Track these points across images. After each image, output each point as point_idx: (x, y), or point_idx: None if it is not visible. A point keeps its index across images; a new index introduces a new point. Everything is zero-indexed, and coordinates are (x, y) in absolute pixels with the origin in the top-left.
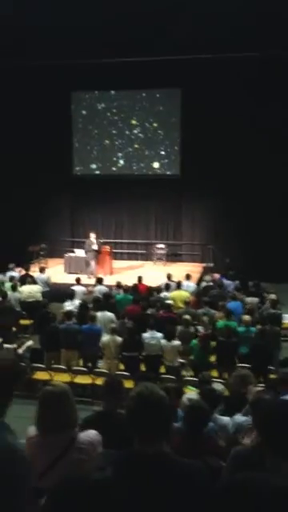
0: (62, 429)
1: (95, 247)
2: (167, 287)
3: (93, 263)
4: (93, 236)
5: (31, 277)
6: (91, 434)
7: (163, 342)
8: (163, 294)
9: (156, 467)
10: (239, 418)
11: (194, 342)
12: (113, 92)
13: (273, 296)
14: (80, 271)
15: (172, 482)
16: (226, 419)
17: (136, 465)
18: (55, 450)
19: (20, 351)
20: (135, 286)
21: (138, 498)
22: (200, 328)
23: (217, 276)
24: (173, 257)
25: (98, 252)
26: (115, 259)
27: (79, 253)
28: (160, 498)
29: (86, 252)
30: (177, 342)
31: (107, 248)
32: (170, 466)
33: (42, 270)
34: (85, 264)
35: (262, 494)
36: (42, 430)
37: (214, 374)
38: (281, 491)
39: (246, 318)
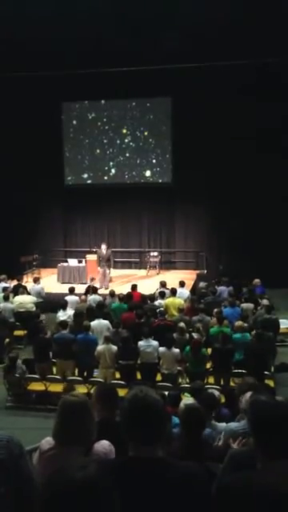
0: (80, 441)
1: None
2: (162, 295)
3: (106, 273)
4: (103, 247)
5: (24, 287)
6: (106, 445)
7: (162, 349)
8: (158, 302)
9: (151, 472)
10: (232, 424)
11: (187, 349)
12: (103, 102)
13: (265, 301)
14: (73, 281)
15: (168, 486)
16: (223, 425)
17: (131, 471)
18: None
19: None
20: (129, 294)
21: (134, 505)
22: (195, 335)
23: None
24: (166, 264)
25: (104, 262)
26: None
27: (72, 262)
28: (156, 503)
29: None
30: (176, 350)
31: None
32: (166, 470)
33: (36, 281)
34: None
35: (256, 496)
36: (60, 442)
37: (211, 380)
38: (274, 493)
39: (240, 323)
